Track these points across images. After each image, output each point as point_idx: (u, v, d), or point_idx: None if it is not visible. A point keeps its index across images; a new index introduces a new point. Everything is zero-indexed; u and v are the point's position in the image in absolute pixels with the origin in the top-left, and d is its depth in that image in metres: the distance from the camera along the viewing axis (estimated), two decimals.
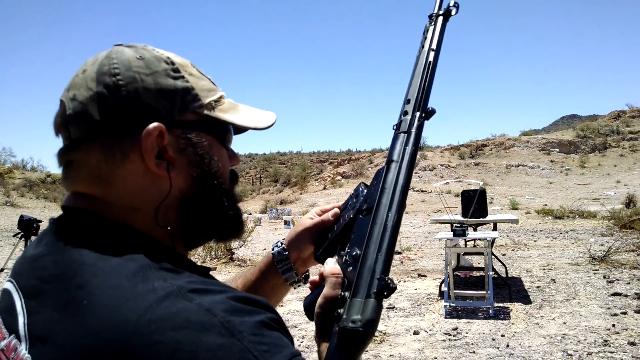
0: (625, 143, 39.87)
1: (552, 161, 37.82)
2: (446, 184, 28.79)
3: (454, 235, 5.66)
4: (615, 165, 35.69)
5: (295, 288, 1.05)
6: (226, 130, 0.79)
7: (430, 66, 0.89)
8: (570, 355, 4.10)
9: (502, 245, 10.90)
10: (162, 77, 0.71)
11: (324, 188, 37.36)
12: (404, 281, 7.57)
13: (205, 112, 0.75)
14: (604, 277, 6.94)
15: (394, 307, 6.00)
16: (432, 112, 0.85)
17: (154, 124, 0.68)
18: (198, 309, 0.56)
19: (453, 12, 0.93)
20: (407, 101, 0.87)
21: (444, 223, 7.32)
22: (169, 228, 0.72)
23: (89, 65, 0.71)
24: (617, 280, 6.70)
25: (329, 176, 40.24)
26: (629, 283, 6.48)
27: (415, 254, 10.31)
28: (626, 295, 5.83)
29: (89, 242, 0.65)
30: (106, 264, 0.62)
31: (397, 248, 10.78)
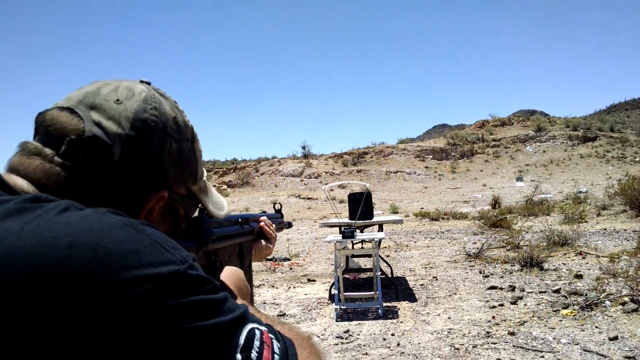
0: (489, 150, 43.55)
1: (426, 167, 40.21)
2: (330, 190, 29.36)
3: (343, 237, 5.63)
4: (481, 170, 38.80)
5: None
6: (196, 209, 0.84)
7: None
8: (457, 349, 4.20)
9: (386, 247, 11.23)
10: (185, 148, 0.74)
11: None
12: (294, 287, 7.43)
13: (194, 190, 0.80)
14: (480, 272, 7.35)
15: (285, 313, 5.83)
16: None
17: (163, 192, 0.71)
18: (117, 219, 0.55)
19: None
20: None
21: (333, 226, 7.31)
22: None
23: (124, 97, 0.69)
24: (492, 274, 7.12)
25: (215, 185, 39.24)
26: (502, 277, 6.91)
27: (304, 260, 10.25)
28: (501, 288, 6.19)
29: None
30: None
31: (285, 255, 10.70)
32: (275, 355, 0.60)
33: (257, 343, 0.58)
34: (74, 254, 0.49)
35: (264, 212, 1.50)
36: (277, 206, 1.71)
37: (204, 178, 0.84)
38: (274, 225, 1.42)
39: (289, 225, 1.84)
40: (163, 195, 0.71)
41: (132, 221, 0.56)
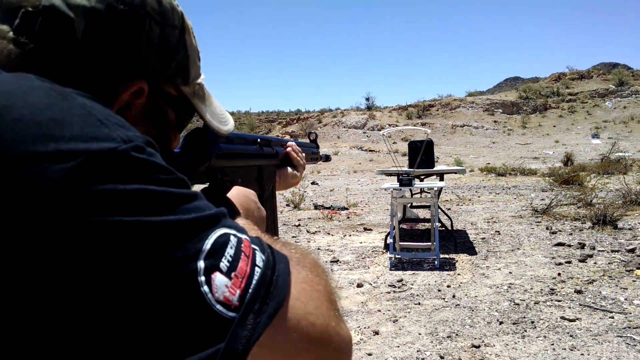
0: (564, 104, 41.13)
1: (495, 121, 38.63)
2: (394, 143, 28.88)
3: (401, 185, 5.40)
4: (554, 126, 36.83)
5: None
6: (191, 117, 0.73)
7: None
8: (517, 304, 3.96)
9: (447, 201, 10.90)
10: (171, 36, 0.62)
11: None
12: (349, 235, 7.35)
13: (185, 92, 0.68)
14: (547, 228, 6.95)
15: (338, 260, 5.75)
16: None
17: (140, 82, 0.58)
18: (41, 84, 0.44)
19: None
20: None
21: (391, 174, 7.08)
22: None
23: None
24: (560, 231, 6.71)
25: (278, 135, 39.63)
26: (571, 234, 6.50)
27: (362, 210, 10.13)
28: (569, 245, 5.81)
29: None
30: None
31: (344, 204, 10.63)
32: (256, 268, 0.45)
33: (230, 251, 0.44)
34: None
35: (296, 139, 1.37)
36: (312, 136, 1.60)
37: (200, 82, 0.71)
38: (303, 153, 1.30)
39: (327, 158, 1.69)
40: (142, 87, 0.59)
41: (61, 88, 0.44)
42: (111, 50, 0.56)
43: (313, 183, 16.67)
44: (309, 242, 6.93)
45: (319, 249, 6.41)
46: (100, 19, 0.55)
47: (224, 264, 0.43)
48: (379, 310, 4.01)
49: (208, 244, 0.43)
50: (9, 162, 0.37)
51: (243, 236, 0.47)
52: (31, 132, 0.38)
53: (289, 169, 1.23)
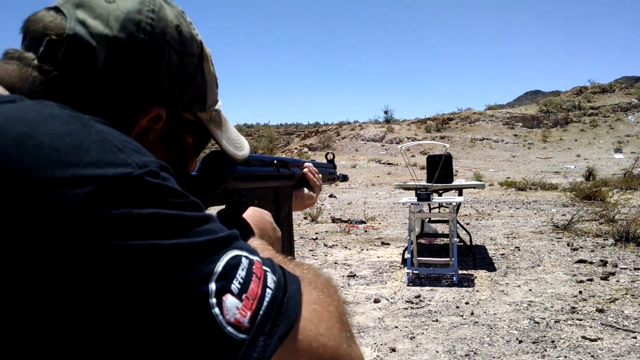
0: (586, 118, 40.58)
1: (515, 135, 38.23)
2: (412, 156, 28.76)
3: (419, 199, 5.38)
4: (576, 140, 36.32)
5: None
6: (207, 142, 0.75)
7: None
8: (537, 322, 3.89)
9: (466, 215, 10.80)
10: (189, 64, 0.64)
11: None
12: (367, 249, 7.32)
13: (202, 118, 0.69)
14: (568, 245, 6.84)
15: (355, 275, 5.72)
16: None
17: (158, 109, 0.61)
18: (61, 112, 0.46)
19: None
20: None
21: (408, 189, 7.05)
22: None
23: None
24: (581, 248, 6.59)
25: (296, 148, 39.76)
26: (592, 250, 6.38)
27: (380, 224, 10.08)
28: (591, 263, 5.70)
29: None
30: None
31: (361, 217, 10.59)
32: (268, 290, 0.46)
33: (241, 273, 0.46)
34: None
35: (313, 160, 1.38)
36: (330, 156, 1.60)
37: (217, 108, 0.73)
38: (319, 173, 1.31)
39: (344, 178, 1.69)
40: (159, 113, 0.61)
41: (81, 115, 0.46)
42: (131, 78, 0.58)
43: (331, 196, 16.66)
44: (326, 255, 6.92)
45: (335, 263, 6.39)
46: (121, 47, 0.57)
47: (235, 285, 0.44)
48: (396, 327, 3.98)
49: (220, 266, 0.44)
50: (30, 187, 0.38)
51: (255, 258, 0.49)
52: (50, 158, 0.40)
53: (305, 190, 1.24)
